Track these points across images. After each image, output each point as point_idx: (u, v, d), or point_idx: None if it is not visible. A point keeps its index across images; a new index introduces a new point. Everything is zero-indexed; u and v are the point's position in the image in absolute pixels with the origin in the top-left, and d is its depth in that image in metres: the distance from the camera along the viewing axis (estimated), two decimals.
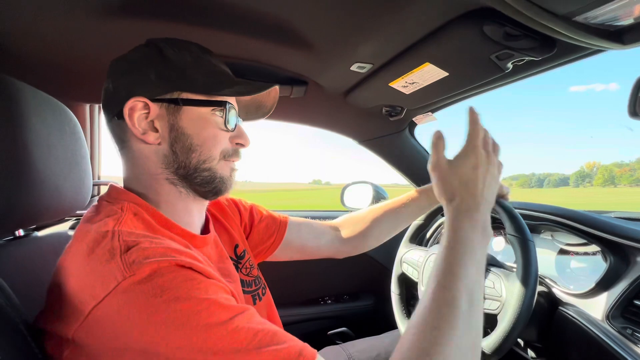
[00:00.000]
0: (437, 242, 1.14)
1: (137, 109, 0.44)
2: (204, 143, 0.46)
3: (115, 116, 0.45)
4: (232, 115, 0.48)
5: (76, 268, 0.36)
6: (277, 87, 0.52)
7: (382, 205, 0.79)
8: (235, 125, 0.49)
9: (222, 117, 0.48)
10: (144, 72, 0.45)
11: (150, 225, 0.43)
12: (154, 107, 0.44)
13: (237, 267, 0.59)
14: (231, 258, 0.58)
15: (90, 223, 0.40)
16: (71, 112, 0.54)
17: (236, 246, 0.61)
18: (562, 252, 0.81)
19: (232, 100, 0.49)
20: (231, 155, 0.50)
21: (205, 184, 0.47)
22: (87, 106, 1.04)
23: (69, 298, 0.34)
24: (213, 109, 0.47)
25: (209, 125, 0.47)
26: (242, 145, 0.51)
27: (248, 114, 0.59)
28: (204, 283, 0.35)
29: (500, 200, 0.69)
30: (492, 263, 0.70)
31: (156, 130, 0.45)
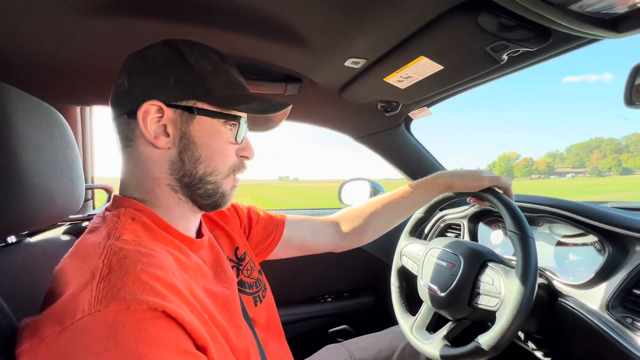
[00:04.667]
0: (437, 236, 1.13)
1: (151, 112, 0.43)
2: (213, 155, 0.46)
3: (126, 114, 0.45)
4: (243, 130, 0.49)
5: (65, 281, 0.35)
6: (290, 106, 0.51)
7: (380, 198, 0.79)
8: (243, 138, 0.50)
9: (232, 130, 0.48)
10: (163, 76, 0.44)
11: (149, 228, 0.43)
12: (168, 112, 0.44)
13: (238, 269, 0.59)
14: (232, 260, 0.59)
15: (89, 233, 0.41)
16: (61, 115, 0.53)
17: (237, 249, 0.61)
18: (561, 243, 0.81)
19: (244, 114, 0.49)
20: (239, 168, 0.50)
21: (207, 197, 0.47)
22: (78, 108, 1.02)
23: (49, 307, 0.33)
24: (225, 122, 0.47)
25: (219, 137, 0.47)
26: (247, 158, 0.51)
27: (255, 125, 0.58)
28: (161, 351, 0.31)
29: (501, 194, 0.69)
30: (491, 258, 0.70)
31: (167, 135, 0.45)
